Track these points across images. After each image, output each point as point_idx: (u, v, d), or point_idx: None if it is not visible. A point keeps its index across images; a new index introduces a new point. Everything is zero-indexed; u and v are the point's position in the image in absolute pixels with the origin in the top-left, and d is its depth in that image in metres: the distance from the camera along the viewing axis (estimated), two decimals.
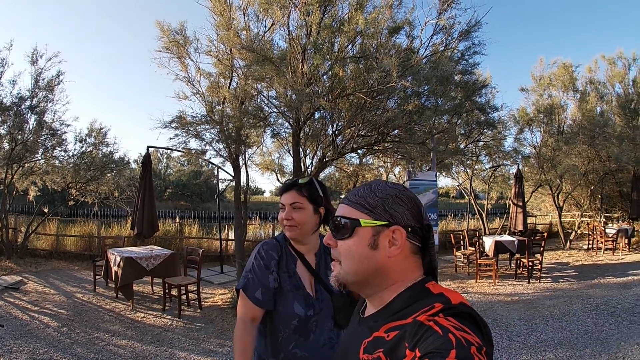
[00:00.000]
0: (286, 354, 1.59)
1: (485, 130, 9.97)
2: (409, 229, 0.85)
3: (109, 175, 11.20)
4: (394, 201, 0.86)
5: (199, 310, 6.12)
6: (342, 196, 13.82)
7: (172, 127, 6.54)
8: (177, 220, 12.74)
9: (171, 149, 6.92)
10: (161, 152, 36.97)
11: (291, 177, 6.12)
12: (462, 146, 10.23)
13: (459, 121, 8.52)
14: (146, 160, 6.91)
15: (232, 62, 6.53)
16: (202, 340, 4.93)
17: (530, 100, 14.08)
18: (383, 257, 0.84)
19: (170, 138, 6.68)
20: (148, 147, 7.03)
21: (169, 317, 5.79)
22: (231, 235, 11.56)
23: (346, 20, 5.94)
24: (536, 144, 13.42)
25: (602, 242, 11.71)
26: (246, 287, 1.62)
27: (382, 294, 0.86)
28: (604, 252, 11.57)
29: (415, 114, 6.08)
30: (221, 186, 9.80)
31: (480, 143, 11.66)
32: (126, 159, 12.08)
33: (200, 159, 12.24)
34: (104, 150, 11.25)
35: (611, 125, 13.39)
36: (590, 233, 12.64)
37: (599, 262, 10.29)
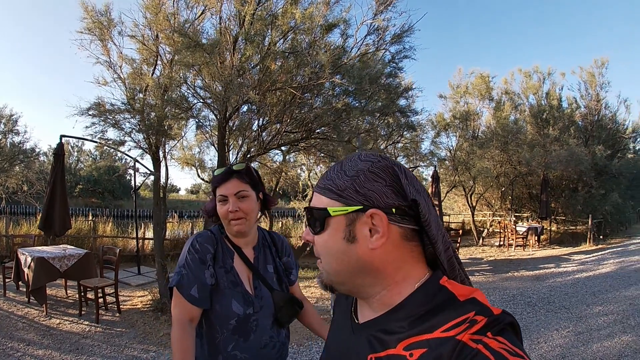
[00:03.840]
0: (225, 356, 1.44)
1: (405, 133, 10.40)
2: (393, 210, 0.67)
3: (17, 167, 10.22)
4: (366, 178, 0.68)
5: (117, 315, 5.73)
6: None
7: (89, 115, 6.04)
8: (90, 217, 11.79)
9: (87, 139, 6.40)
10: (72, 145, 34.59)
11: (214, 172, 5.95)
12: (382, 147, 10.56)
13: (381, 122, 8.76)
14: (59, 150, 6.27)
15: (157, 48, 6.20)
16: (124, 347, 4.62)
17: (447, 107, 15.19)
18: (365, 250, 0.68)
19: (87, 127, 6.18)
20: (61, 136, 6.37)
21: (87, 322, 5.37)
22: (148, 234, 11.06)
23: (281, 13, 5.88)
24: (451, 148, 14.42)
25: (513, 239, 12.73)
26: (180, 284, 1.43)
27: (381, 295, 0.71)
28: (515, 248, 12.64)
29: (343, 112, 6.16)
30: (137, 182, 9.15)
31: (399, 145, 12.16)
32: (37, 150, 11.23)
33: (115, 153, 11.48)
34: (13, 140, 10.29)
35: (523, 132, 14.73)
36: (502, 231, 13.76)
37: (511, 257, 11.20)
